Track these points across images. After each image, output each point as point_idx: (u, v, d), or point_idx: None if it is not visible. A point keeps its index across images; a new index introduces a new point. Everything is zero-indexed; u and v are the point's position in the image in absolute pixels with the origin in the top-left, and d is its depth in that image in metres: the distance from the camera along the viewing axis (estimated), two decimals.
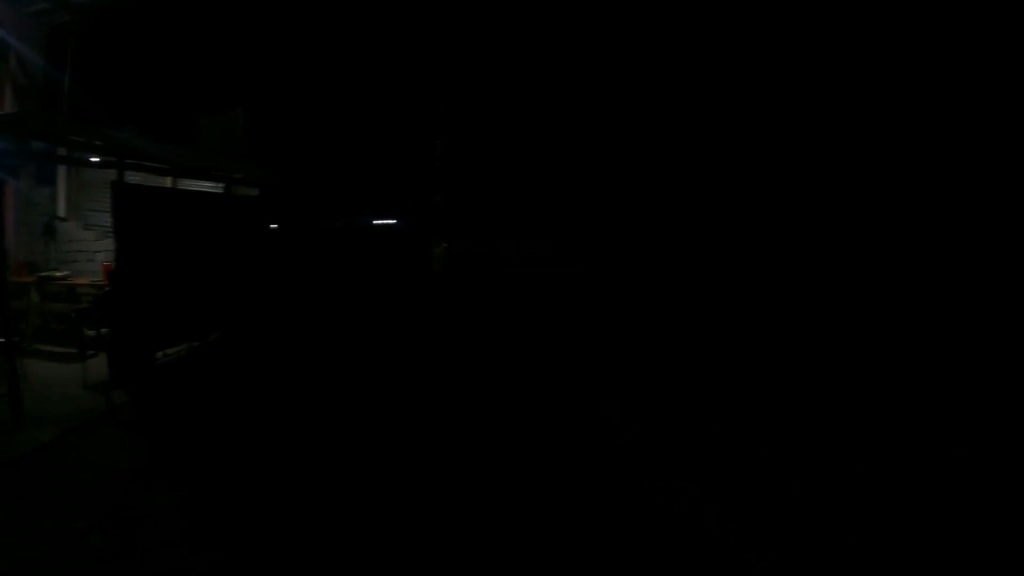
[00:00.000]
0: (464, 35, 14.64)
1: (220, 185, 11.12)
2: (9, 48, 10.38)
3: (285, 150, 13.24)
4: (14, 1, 10.37)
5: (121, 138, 7.99)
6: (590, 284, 13.28)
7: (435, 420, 6.68)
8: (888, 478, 5.25)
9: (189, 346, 9.25)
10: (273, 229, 10.25)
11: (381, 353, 9.73)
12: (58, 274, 10.09)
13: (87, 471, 5.19)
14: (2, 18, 10.27)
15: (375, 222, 13.58)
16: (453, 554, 4.06)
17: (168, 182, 11.17)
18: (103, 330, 8.53)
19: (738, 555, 4.05)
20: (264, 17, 13.87)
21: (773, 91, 12.73)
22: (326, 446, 5.88)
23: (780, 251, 12.23)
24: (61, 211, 11.16)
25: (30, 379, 7.37)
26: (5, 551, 3.92)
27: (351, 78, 14.40)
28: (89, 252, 10.88)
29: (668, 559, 4.02)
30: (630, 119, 14.42)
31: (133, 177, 8.64)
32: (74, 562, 3.84)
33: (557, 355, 9.67)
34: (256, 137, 12.12)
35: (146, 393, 7.18)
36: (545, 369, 8.83)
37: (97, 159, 8.27)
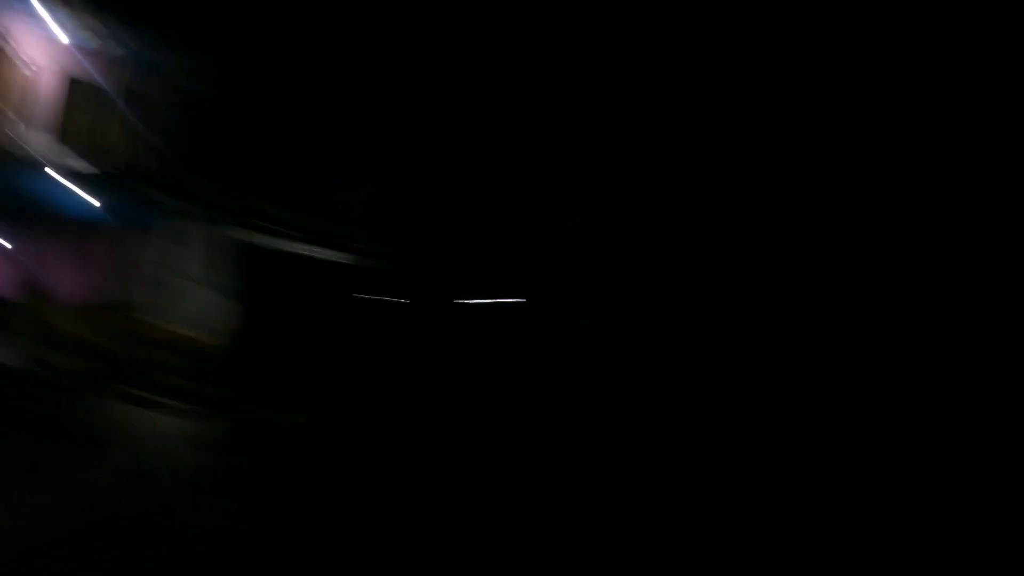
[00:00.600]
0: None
1: (349, 255, 11.16)
2: (149, 115, 11.11)
3: (415, 224, 13.32)
4: (155, 72, 11.14)
5: (252, 202, 8.17)
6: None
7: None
8: None
9: (312, 414, 9.06)
10: (402, 303, 10.08)
11: (518, 442, 9.06)
12: (185, 332, 10.30)
13: (196, 532, 4.97)
14: (145, 87, 11.05)
15: (507, 300, 13.10)
16: None
17: (298, 249, 11.38)
18: (226, 390, 8.51)
19: None
20: (399, 96, 14.39)
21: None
22: (445, 534, 5.37)
23: None
24: (193, 270, 11.56)
25: (149, 433, 7.35)
26: None
27: (483, 154, 14.56)
28: (217, 313, 11.13)
29: None
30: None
31: (262, 241, 8.77)
32: None
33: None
34: (386, 210, 12.31)
35: (264, 457, 6.97)
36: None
37: (229, 221, 8.46)
